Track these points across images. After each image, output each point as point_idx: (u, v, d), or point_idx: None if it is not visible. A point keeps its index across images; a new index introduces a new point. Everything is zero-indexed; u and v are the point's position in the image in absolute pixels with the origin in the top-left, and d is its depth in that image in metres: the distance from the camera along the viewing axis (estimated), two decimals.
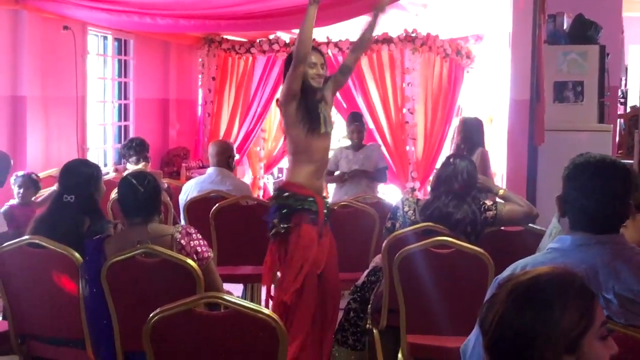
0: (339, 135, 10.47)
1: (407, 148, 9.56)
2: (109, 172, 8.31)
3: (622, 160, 2.79)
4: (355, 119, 7.80)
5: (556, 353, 1.70)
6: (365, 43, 5.01)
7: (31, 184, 6.13)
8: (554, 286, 1.75)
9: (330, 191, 7.79)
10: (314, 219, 4.65)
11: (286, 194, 4.69)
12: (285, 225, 4.64)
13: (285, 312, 4.56)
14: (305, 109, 4.65)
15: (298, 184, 4.69)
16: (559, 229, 3.75)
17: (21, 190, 6.05)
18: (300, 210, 4.63)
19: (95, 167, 4.52)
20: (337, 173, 7.63)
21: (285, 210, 4.65)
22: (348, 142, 7.97)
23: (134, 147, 7.24)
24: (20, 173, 6.22)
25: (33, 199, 6.17)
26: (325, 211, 4.73)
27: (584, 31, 6.65)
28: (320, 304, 4.69)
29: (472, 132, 7.12)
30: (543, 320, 1.69)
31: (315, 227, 4.65)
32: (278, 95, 5.09)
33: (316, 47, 4.91)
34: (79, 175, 4.32)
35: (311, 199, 4.66)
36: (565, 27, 6.77)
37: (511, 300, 1.74)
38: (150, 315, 2.98)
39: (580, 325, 1.70)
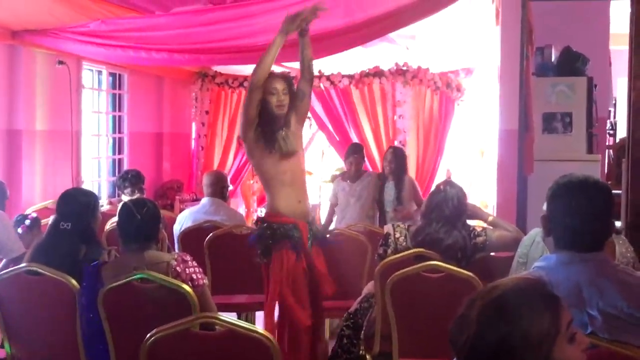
0: (333, 169, 10.57)
1: None
2: (103, 204, 8.34)
3: (612, 191, 2.88)
4: (355, 151, 7.83)
5: None
6: (307, 63, 4.81)
7: (29, 230, 6.07)
8: (521, 297, 1.80)
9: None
10: (295, 245, 4.73)
11: (265, 224, 4.76)
12: (264, 259, 4.77)
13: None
14: (263, 134, 4.71)
15: (279, 213, 4.77)
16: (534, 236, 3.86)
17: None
18: (279, 240, 4.71)
19: (93, 196, 4.57)
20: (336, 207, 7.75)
21: (264, 243, 4.75)
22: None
23: (130, 179, 7.32)
24: (22, 219, 6.14)
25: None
26: (309, 236, 4.81)
27: (571, 63, 6.75)
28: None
29: (403, 160, 7.67)
30: (518, 331, 1.75)
31: (294, 252, 4.72)
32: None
33: (279, 74, 4.90)
34: (76, 203, 4.35)
35: (291, 225, 4.73)
36: (553, 59, 6.88)
37: (484, 318, 1.79)
38: (148, 335, 3.03)
39: (551, 331, 1.76)
